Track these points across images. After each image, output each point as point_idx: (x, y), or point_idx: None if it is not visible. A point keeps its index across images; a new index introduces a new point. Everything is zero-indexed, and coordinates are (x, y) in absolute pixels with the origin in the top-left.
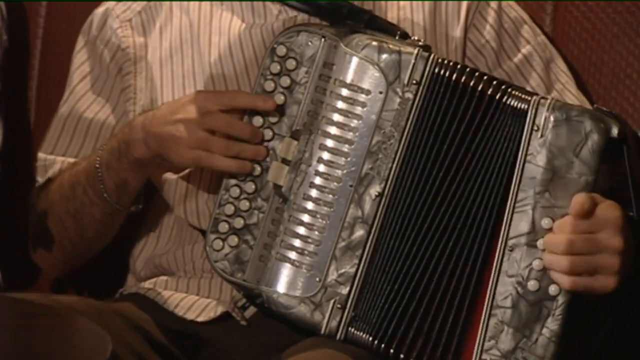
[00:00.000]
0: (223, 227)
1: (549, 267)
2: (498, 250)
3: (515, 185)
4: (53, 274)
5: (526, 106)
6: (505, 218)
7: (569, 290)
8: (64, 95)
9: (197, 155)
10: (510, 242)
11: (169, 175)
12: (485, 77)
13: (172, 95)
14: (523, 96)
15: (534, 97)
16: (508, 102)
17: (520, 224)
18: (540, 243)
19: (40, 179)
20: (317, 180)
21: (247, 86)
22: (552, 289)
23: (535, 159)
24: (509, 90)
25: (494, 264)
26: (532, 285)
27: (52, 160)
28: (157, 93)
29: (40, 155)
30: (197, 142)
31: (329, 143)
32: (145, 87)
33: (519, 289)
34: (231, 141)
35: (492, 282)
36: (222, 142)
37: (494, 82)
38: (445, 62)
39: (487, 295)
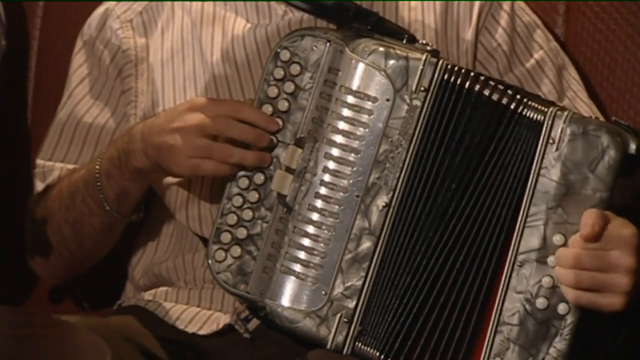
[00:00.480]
0: (225, 237)
1: (558, 280)
2: (507, 265)
3: (527, 199)
4: (51, 282)
5: (542, 117)
6: (515, 232)
7: (576, 307)
8: (62, 98)
9: (196, 163)
10: (520, 258)
11: (171, 180)
12: (497, 85)
13: (174, 98)
14: (539, 107)
15: (551, 108)
16: (522, 112)
17: (530, 240)
18: (550, 260)
19: (38, 186)
20: (323, 190)
21: (251, 89)
22: (561, 308)
23: (549, 172)
24: (524, 99)
25: (502, 280)
26: (540, 302)
27: (51, 167)
28: (159, 95)
29: (39, 161)
30: (196, 149)
31: (335, 152)
32: (147, 89)
33: (527, 306)
34: (233, 147)
35: (500, 298)
36: (223, 147)
37: (508, 91)
38: (455, 68)
39: (494, 311)
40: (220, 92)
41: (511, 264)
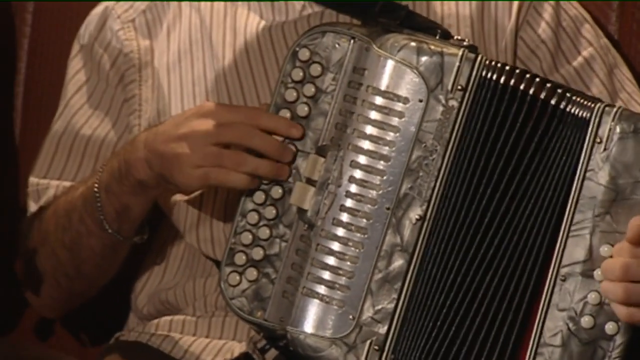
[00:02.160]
0: (240, 258)
1: (605, 296)
2: (549, 279)
3: (571, 205)
4: (47, 315)
5: (588, 114)
6: (558, 243)
7: (626, 326)
8: (59, 109)
9: (204, 172)
10: (563, 271)
11: (179, 197)
12: (540, 81)
13: (182, 105)
14: (585, 102)
15: (598, 104)
16: (567, 109)
17: (575, 251)
18: (597, 273)
19: (32, 207)
20: (349, 203)
21: (267, 93)
22: (610, 327)
23: (596, 176)
24: (568, 95)
25: (543, 296)
26: (586, 321)
27: (46, 185)
28: (165, 103)
29: (32, 179)
30: (205, 158)
31: (362, 160)
32: (152, 97)
33: (571, 325)
34: (247, 154)
35: (540, 316)
36: (236, 155)
37: (550, 87)
38: (495, 64)
39: (534, 331)
40: (233, 98)
41: (553, 278)
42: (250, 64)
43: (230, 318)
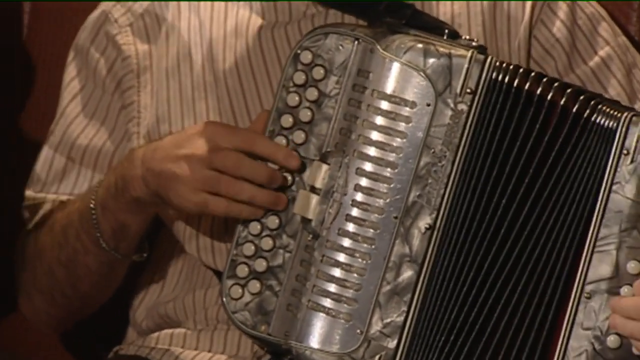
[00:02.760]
0: (242, 270)
1: (630, 336)
2: (573, 297)
3: (597, 219)
4: (45, 330)
5: (614, 124)
6: (583, 259)
7: None
8: (56, 117)
9: (202, 199)
10: (587, 288)
11: None
12: (557, 85)
13: (181, 112)
14: (611, 111)
15: (625, 114)
16: (591, 117)
17: (600, 267)
18: (624, 290)
19: (28, 223)
20: (355, 212)
21: (270, 98)
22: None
23: (622, 189)
24: (593, 103)
25: (567, 314)
26: (612, 341)
27: (42, 199)
28: (164, 109)
29: (28, 193)
30: (203, 182)
31: (368, 167)
32: (151, 103)
33: (596, 344)
34: (244, 182)
35: (564, 335)
36: (233, 182)
37: (571, 92)
38: (506, 66)
39: (557, 352)
40: (235, 104)
41: (577, 295)
42: (252, 67)
43: (232, 332)
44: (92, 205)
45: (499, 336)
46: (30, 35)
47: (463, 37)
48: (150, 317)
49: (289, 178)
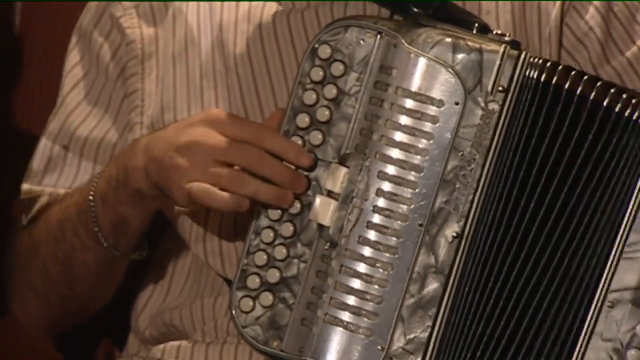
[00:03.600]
0: (253, 281)
1: None
2: (594, 305)
3: (627, 224)
4: (37, 334)
5: None
6: (609, 265)
7: None
8: (55, 107)
9: (201, 190)
10: (610, 297)
11: None
12: (597, 83)
13: (187, 100)
14: None
15: None
16: (629, 115)
17: (626, 275)
18: None
19: (24, 217)
20: (376, 219)
21: (284, 91)
22: None
23: None
24: (632, 100)
25: (587, 323)
26: (632, 355)
27: (39, 193)
28: (169, 97)
29: (25, 186)
30: (205, 174)
31: (391, 170)
32: (156, 90)
33: (615, 358)
34: (247, 175)
35: (581, 345)
36: (236, 176)
37: (612, 90)
38: (542, 62)
39: None
40: (246, 95)
41: (599, 303)
42: (266, 55)
43: (243, 346)
44: (91, 198)
45: (525, 350)
46: (22, 31)
47: (494, 32)
48: (154, 325)
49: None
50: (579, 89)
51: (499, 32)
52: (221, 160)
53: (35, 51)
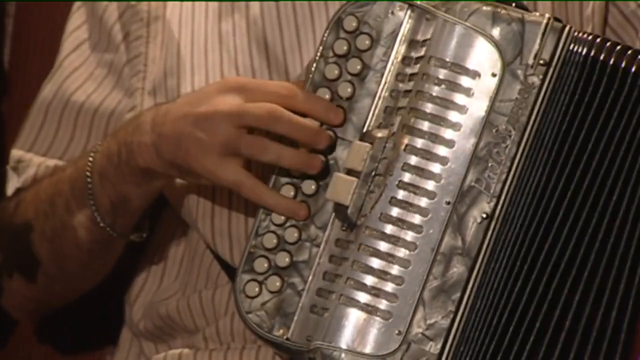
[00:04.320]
0: (260, 265)
1: None
2: (632, 297)
3: None
4: (17, 317)
5: None
6: None
7: None
8: (51, 71)
9: (249, 145)
10: None
11: (190, 183)
12: None
13: (190, 64)
14: None
15: None
16: None
17: None
18: None
19: (10, 187)
20: (401, 195)
21: (298, 63)
22: None
23: None
24: None
25: (626, 316)
26: None
27: (28, 161)
28: (172, 61)
29: (14, 152)
30: (228, 143)
31: (419, 143)
32: (160, 56)
33: None
34: (268, 140)
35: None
36: (254, 140)
37: None
38: (588, 36)
39: None
40: (255, 60)
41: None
42: (281, 24)
43: (248, 350)
44: (88, 173)
45: (564, 342)
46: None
47: (532, 13)
48: (148, 318)
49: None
50: (625, 64)
51: (538, 14)
52: (240, 125)
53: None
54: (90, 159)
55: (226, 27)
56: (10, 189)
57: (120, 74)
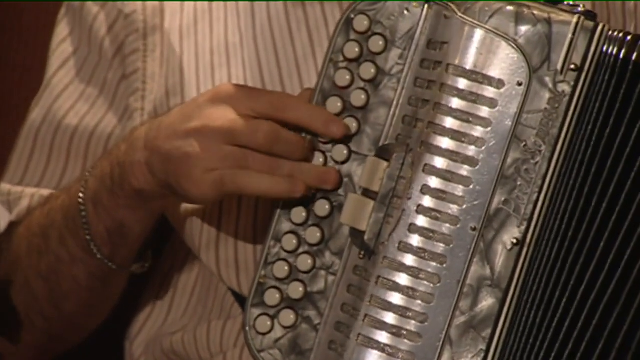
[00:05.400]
0: (272, 297)
1: None
2: None
3: None
4: None
5: None
6: None
7: None
8: (39, 91)
9: (219, 176)
10: None
11: (193, 207)
12: None
13: (197, 82)
14: None
15: None
16: None
17: None
18: None
19: (2, 223)
20: (421, 221)
21: (313, 71)
22: None
23: None
24: None
25: None
26: None
27: (19, 194)
28: (176, 80)
29: (3, 187)
30: (222, 160)
31: (439, 163)
32: (160, 72)
33: None
34: (277, 159)
35: None
36: (264, 158)
37: None
38: (622, 35)
39: None
40: (266, 74)
41: None
42: (291, 30)
43: None
44: (80, 201)
45: None
46: None
47: (564, 2)
48: (150, 353)
49: (338, 166)
50: None
51: (571, 2)
52: (236, 143)
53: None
54: (83, 184)
55: (233, 39)
56: (2, 224)
57: (116, 93)
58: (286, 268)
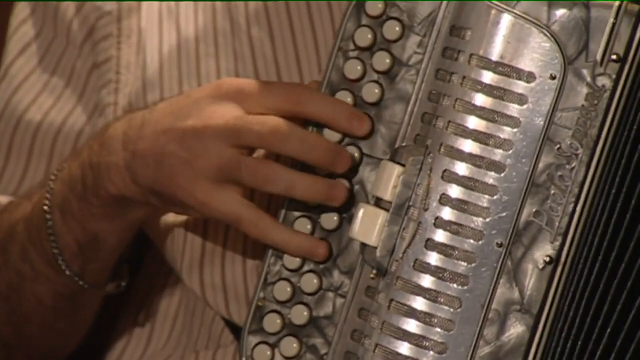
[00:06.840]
0: (272, 323)
1: None
2: None
3: None
4: None
5: None
6: None
7: None
8: None
9: (237, 203)
10: None
11: (174, 218)
12: None
13: (179, 75)
14: None
15: None
16: None
17: None
18: None
19: None
20: (440, 237)
21: (314, 63)
22: None
23: None
24: None
25: None
26: None
27: None
28: (154, 71)
29: None
30: (222, 168)
31: (461, 169)
32: (136, 61)
33: None
34: (277, 165)
35: None
36: (260, 165)
37: None
38: None
39: None
40: (260, 66)
41: None
42: (290, 14)
43: None
44: (46, 209)
45: None
46: None
47: None
48: None
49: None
50: None
51: None
52: (241, 145)
53: None
54: (49, 189)
55: (223, 25)
56: None
57: (86, 85)
58: (289, 289)
